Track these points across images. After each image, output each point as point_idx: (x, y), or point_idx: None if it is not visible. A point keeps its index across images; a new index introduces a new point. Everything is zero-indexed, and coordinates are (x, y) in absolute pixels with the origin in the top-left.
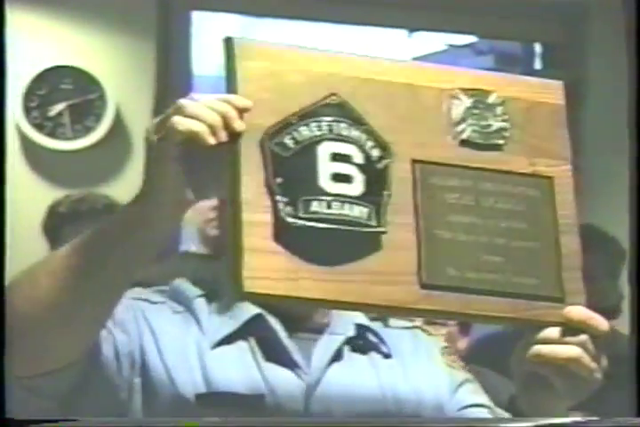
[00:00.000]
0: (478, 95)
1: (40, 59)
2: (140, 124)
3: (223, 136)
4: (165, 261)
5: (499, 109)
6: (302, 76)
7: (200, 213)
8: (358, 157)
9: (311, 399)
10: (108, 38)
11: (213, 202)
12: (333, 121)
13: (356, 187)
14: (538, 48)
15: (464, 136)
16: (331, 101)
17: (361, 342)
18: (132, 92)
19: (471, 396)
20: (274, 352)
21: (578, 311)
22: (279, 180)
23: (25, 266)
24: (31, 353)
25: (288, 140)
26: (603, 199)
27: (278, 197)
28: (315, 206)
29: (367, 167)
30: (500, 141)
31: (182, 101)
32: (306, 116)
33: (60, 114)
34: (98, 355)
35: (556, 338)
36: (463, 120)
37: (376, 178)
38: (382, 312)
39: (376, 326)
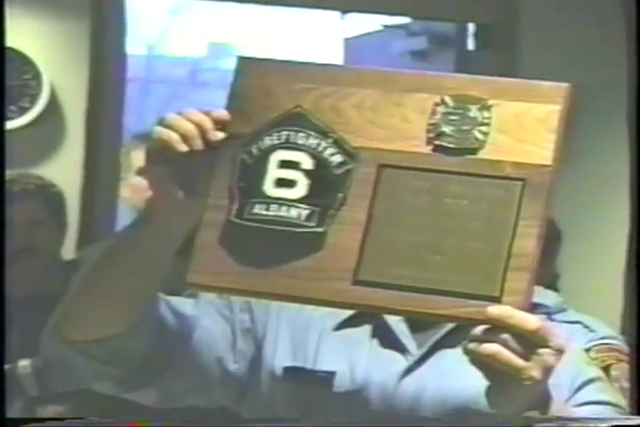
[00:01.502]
0: (464, 101)
1: None
2: (74, 104)
3: (197, 144)
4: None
5: (482, 114)
6: (286, 89)
7: (138, 191)
8: (307, 164)
9: (403, 380)
10: (42, 19)
11: None
12: (293, 131)
13: (298, 191)
14: (471, 28)
15: (438, 142)
16: (294, 112)
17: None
18: (67, 73)
19: (595, 394)
20: (386, 337)
21: (497, 310)
22: (241, 184)
23: None
24: (86, 320)
25: (254, 149)
26: None
27: (235, 201)
28: (256, 208)
29: (317, 173)
30: (476, 145)
31: (166, 115)
32: (272, 126)
33: None
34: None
35: (479, 335)
36: (439, 126)
37: (329, 182)
38: (312, 304)
39: None
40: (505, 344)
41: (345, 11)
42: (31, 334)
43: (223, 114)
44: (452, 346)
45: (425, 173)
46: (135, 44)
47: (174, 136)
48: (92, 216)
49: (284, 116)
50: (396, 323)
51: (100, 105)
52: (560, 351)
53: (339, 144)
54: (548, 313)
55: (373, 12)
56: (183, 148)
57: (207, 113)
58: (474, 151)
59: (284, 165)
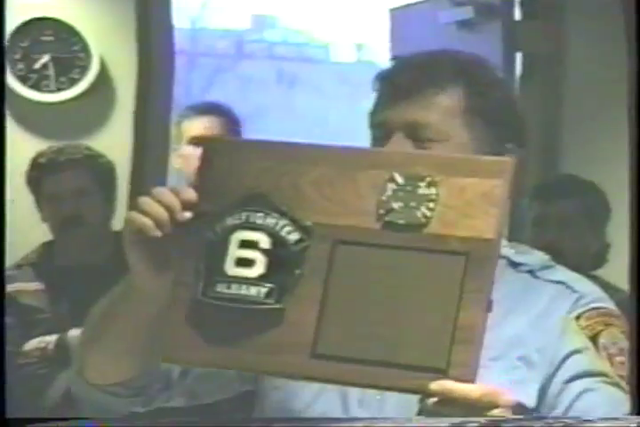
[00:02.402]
0: (412, 178)
1: (20, 11)
2: (124, 76)
3: (168, 229)
4: None
5: (430, 190)
6: (249, 168)
7: (190, 161)
8: (265, 243)
9: None
10: None
11: None
12: (252, 211)
13: (257, 269)
14: None
15: (388, 218)
16: (254, 193)
17: None
18: (115, 45)
19: (581, 365)
20: None
21: (438, 386)
22: (206, 263)
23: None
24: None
25: (217, 228)
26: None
27: (201, 278)
28: (219, 287)
29: (275, 251)
30: (423, 221)
31: (140, 199)
32: (234, 206)
33: (44, 66)
34: None
35: (428, 408)
36: (389, 202)
37: (286, 259)
38: (273, 376)
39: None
40: (455, 415)
41: None
42: (81, 303)
43: (191, 194)
44: None
45: (376, 249)
46: (180, 17)
47: (148, 222)
48: (142, 187)
49: (244, 196)
50: None
51: (149, 77)
52: (510, 407)
53: (295, 222)
54: (531, 271)
55: None
56: (157, 233)
57: (176, 193)
58: (421, 227)
59: (244, 244)
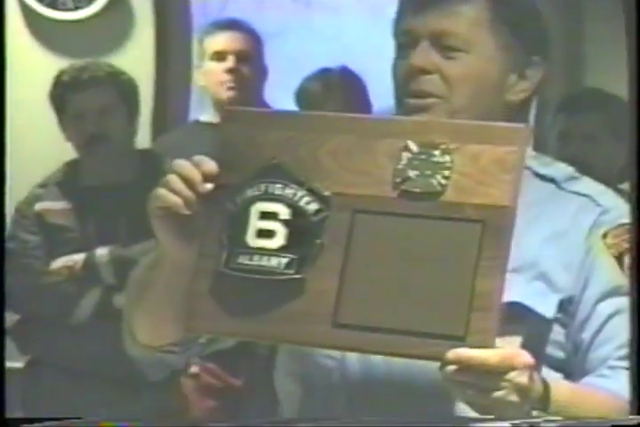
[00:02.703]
0: (426, 146)
1: None
2: None
3: (195, 206)
4: (175, 128)
5: (444, 158)
6: (267, 139)
7: (213, 76)
8: (285, 214)
9: None
10: None
11: (228, 63)
12: (271, 182)
13: (277, 240)
14: None
15: (404, 187)
16: (272, 164)
17: None
18: None
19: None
20: None
21: (454, 355)
22: (228, 234)
23: (28, 139)
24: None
25: (237, 200)
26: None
27: (224, 250)
28: (240, 258)
29: (295, 222)
30: (438, 189)
31: (167, 176)
32: (253, 177)
33: None
34: None
35: (448, 376)
36: (405, 171)
37: (306, 230)
38: (297, 345)
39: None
40: (473, 384)
41: None
42: (107, 222)
43: (212, 166)
44: None
45: (394, 218)
46: None
47: (177, 200)
48: (165, 104)
49: (263, 167)
50: None
51: None
52: (529, 368)
53: (314, 192)
54: (556, 182)
55: None
56: (184, 211)
57: (198, 166)
58: (437, 195)
59: (264, 216)
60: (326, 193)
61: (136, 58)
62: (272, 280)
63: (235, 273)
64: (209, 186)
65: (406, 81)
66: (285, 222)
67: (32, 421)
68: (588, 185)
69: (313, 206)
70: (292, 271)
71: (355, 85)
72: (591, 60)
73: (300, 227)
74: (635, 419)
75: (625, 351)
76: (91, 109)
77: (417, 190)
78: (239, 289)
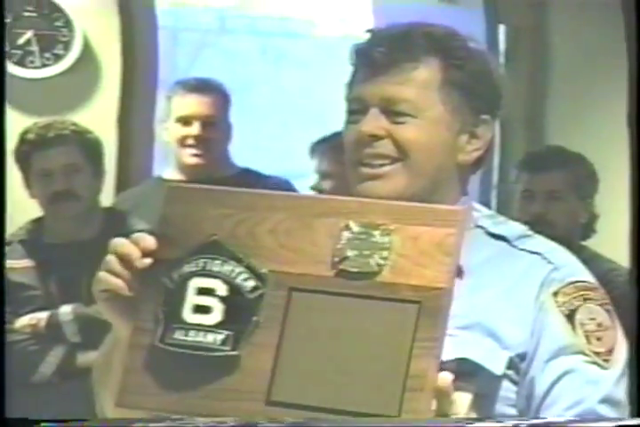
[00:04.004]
0: (367, 226)
1: None
2: (108, 52)
3: (137, 286)
4: (138, 185)
5: (384, 239)
6: (207, 215)
7: (178, 138)
8: (222, 290)
9: None
10: None
11: (193, 130)
12: (209, 258)
13: (214, 317)
14: None
15: (341, 266)
16: (211, 240)
17: None
18: (98, 21)
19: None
20: None
21: None
22: (164, 309)
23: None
24: None
25: (175, 275)
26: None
27: (160, 325)
28: (177, 334)
29: (232, 298)
30: (376, 269)
31: (107, 257)
32: (192, 253)
33: (28, 42)
34: None
35: None
36: (344, 250)
37: (242, 307)
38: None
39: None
40: None
41: None
42: (71, 279)
43: (150, 242)
44: None
45: (330, 296)
46: None
47: (118, 283)
48: (129, 162)
49: (201, 243)
50: None
51: (133, 52)
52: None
53: (252, 269)
54: (508, 240)
55: None
56: (126, 292)
57: (136, 242)
58: (374, 275)
59: (201, 291)
60: (264, 270)
61: (101, 114)
62: (208, 356)
63: (170, 348)
64: (147, 260)
65: (357, 147)
66: (222, 299)
67: (32, 421)
68: (539, 243)
69: (250, 283)
70: (227, 348)
71: None
72: (552, 118)
73: (236, 304)
74: (635, 420)
75: (581, 411)
76: (56, 167)
77: (354, 270)
78: (174, 364)
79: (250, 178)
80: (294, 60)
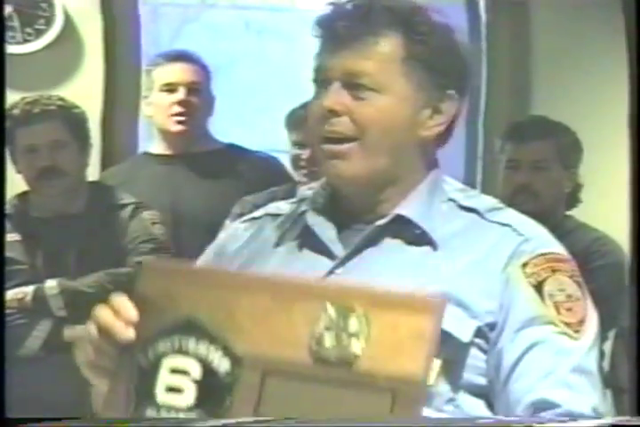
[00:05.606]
0: (345, 312)
1: None
2: (90, 26)
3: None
4: (124, 159)
5: (362, 327)
6: (184, 293)
7: (162, 108)
8: (196, 371)
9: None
10: None
11: (179, 95)
12: (184, 337)
13: (186, 398)
14: None
15: (318, 352)
16: (187, 319)
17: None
18: None
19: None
20: (315, 245)
21: None
22: (137, 386)
23: None
24: None
25: (150, 353)
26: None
27: (132, 401)
28: (148, 412)
29: (205, 380)
30: (352, 357)
31: (88, 328)
32: (167, 331)
33: (9, 17)
34: None
35: None
36: (321, 336)
37: (216, 388)
38: None
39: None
40: None
41: None
42: (57, 253)
43: (131, 315)
44: (376, 243)
45: (306, 383)
46: None
47: (98, 356)
48: (115, 136)
49: (177, 322)
50: (323, 230)
51: (114, 27)
52: None
53: (227, 350)
54: (479, 212)
55: None
56: (108, 364)
57: (117, 313)
58: (350, 363)
59: (174, 371)
60: (238, 352)
61: (85, 89)
62: None
63: (142, 424)
64: (130, 334)
65: (319, 122)
66: (195, 380)
67: (32, 421)
68: (510, 215)
69: (225, 364)
70: None
71: None
72: (536, 87)
73: (210, 385)
74: (635, 420)
75: (552, 381)
76: (42, 143)
77: (331, 357)
78: None
79: (235, 153)
80: (278, 34)
